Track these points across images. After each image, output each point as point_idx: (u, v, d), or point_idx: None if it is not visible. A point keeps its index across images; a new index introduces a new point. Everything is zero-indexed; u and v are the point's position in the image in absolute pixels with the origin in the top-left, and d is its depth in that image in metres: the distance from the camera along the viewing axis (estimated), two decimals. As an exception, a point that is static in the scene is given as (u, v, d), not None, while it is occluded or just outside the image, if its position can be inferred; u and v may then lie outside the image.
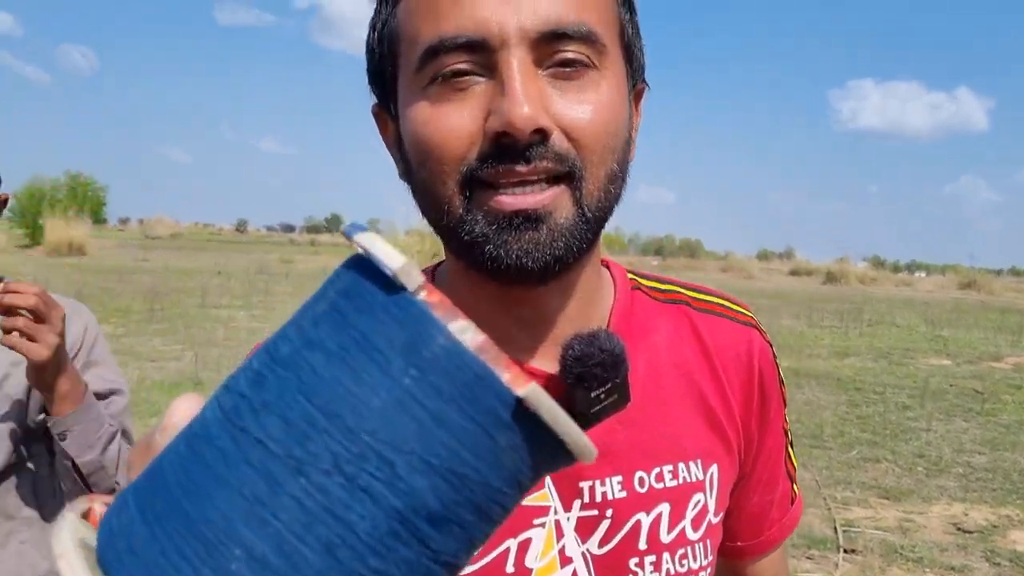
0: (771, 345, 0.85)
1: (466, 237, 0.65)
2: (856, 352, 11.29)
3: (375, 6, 0.73)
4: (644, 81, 0.76)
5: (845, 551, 4.16)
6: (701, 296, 0.84)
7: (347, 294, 0.34)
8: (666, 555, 0.73)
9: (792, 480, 0.88)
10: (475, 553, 0.35)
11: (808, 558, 4.09)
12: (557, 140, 0.63)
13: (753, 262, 41.94)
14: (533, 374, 0.72)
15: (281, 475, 0.31)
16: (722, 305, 0.83)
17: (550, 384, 0.52)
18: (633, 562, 0.73)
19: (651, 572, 0.73)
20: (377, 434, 0.31)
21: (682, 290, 0.84)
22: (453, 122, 0.64)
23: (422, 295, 0.32)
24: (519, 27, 0.63)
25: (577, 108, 0.64)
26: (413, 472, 0.31)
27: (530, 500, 0.72)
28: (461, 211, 0.65)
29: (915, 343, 12.58)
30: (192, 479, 0.32)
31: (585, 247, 0.67)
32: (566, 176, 0.64)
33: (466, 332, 0.32)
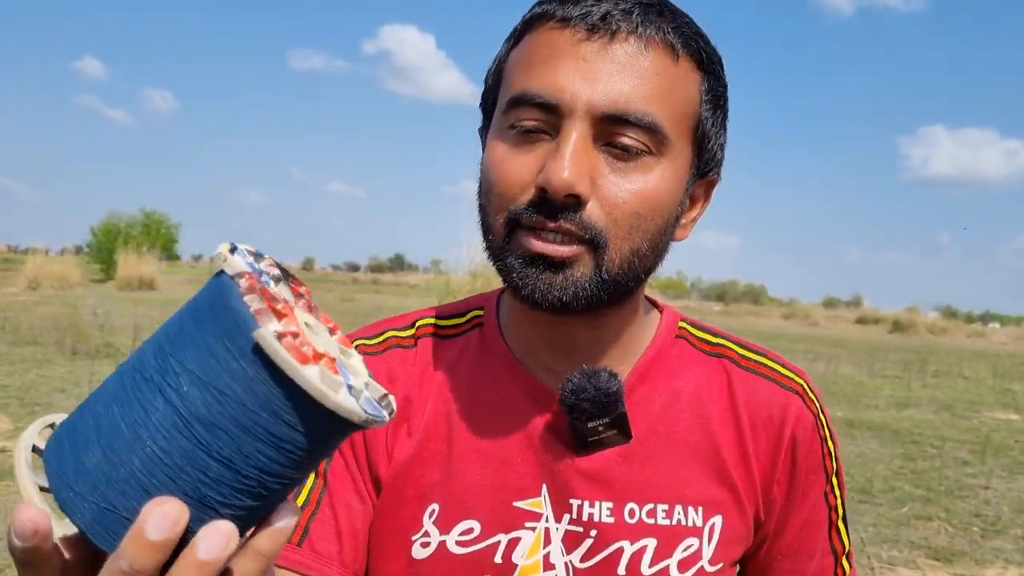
0: (818, 415, 0.85)
1: (500, 265, 0.77)
2: (917, 404, 10.88)
3: (502, 47, 0.82)
4: (717, 173, 0.83)
5: (885, 614, 3.94)
6: (750, 355, 0.87)
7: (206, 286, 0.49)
8: None
9: (839, 556, 0.87)
10: (268, 468, 0.45)
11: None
12: (592, 209, 0.71)
13: (818, 309, 41.09)
14: (551, 395, 0.82)
15: (130, 383, 0.46)
16: (769, 367, 0.86)
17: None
18: None
19: None
20: (174, 355, 0.45)
21: (732, 346, 0.88)
22: (515, 169, 0.74)
23: (229, 273, 0.47)
24: (588, 102, 0.71)
25: (619, 187, 0.72)
26: (192, 386, 0.44)
27: (525, 504, 0.81)
28: (501, 242, 0.76)
29: (981, 396, 12.07)
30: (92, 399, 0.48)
31: (599, 302, 0.74)
32: (589, 242, 0.72)
33: (243, 283, 0.46)
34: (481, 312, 0.91)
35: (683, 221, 0.80)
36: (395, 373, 0.87)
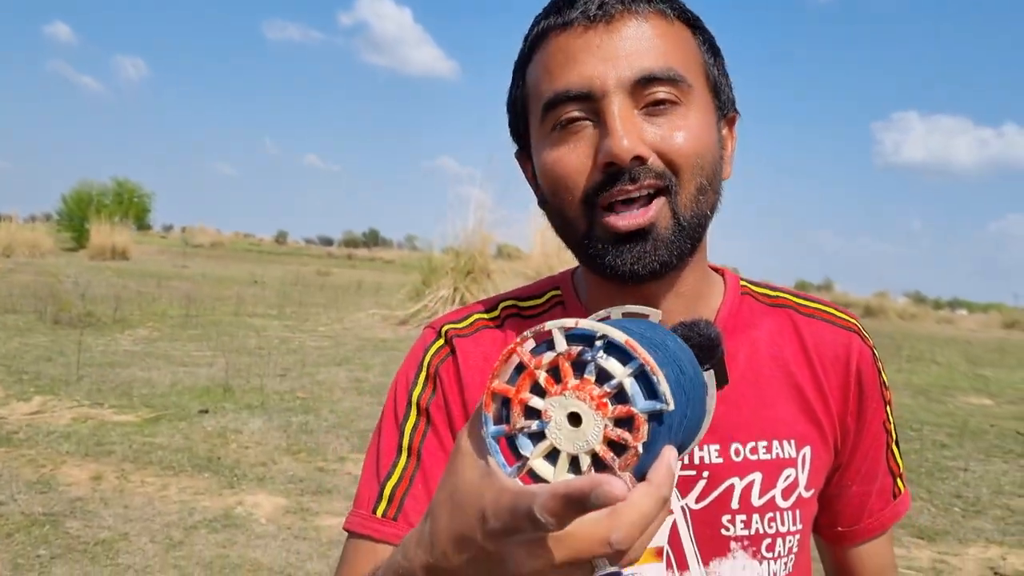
0: (873, 349, 0.94)
1: (590, 251, 0.83)
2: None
3: (511, 80, 0.91)
4: (735, 110, 0.90)
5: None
6: (807, 302, 0.96)
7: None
8: (756, 516, 0.86)
9: (896, 477, 0.96)
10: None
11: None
12: (654, 163, 0.79)
13: (790, 293, 41.12)
14: None
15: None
16: (827, 311, 0.95)
17: None
18: (725, 518, 0.86)
19: (741, 529, 0.86)
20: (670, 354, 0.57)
21: (791, 297, 0.97)
22: (572, 160, 0.81)
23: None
24: (616, 77, 0.79)
25: (669, 136, 0.80)
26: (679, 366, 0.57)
27: None
28: (584, 229, 0.83)
29: (954, 381, 12.30)
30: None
31: (684, 252, 0.83)
32: (664, 190, 0.80)
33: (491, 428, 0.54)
34: (558, 292, 0.96)
35: (726, 156, 0.89)
36: (488, 352, 0.92)
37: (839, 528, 0.96)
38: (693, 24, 0.86)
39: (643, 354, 0.50)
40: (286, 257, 45.13)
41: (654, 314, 0.66)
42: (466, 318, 0.96)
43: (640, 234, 0.80)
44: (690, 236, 0.82)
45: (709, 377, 0.67)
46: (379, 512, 0.87)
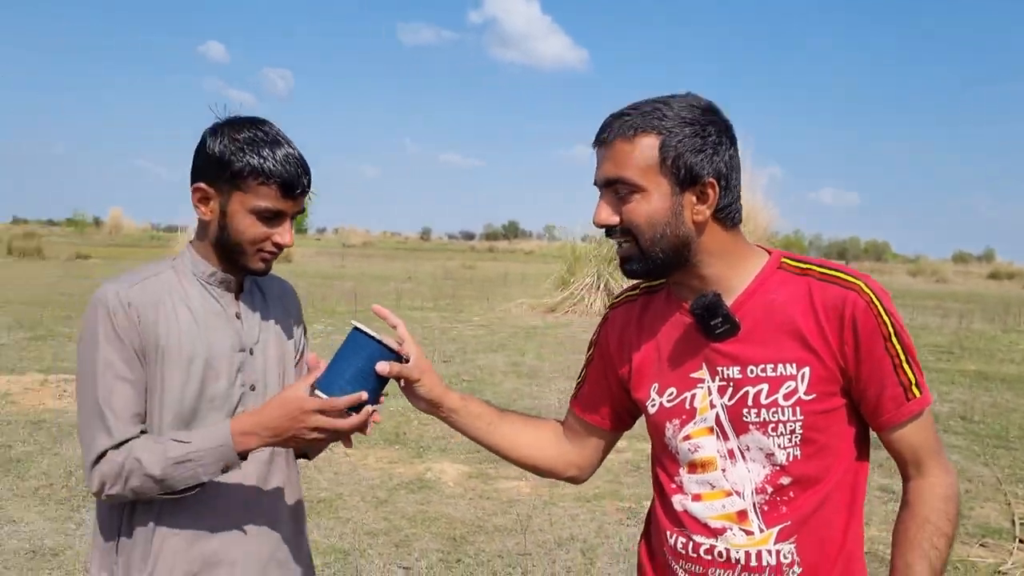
0: (871, 301, 1.30)
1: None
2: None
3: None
4: (704, 181, 1.31)
5: (1021, 541, 4.28)
6: (827, 271, 1.35)
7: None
8: (763, 410, 1.31)
9: (908, 385, 1.31)
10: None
11: (982, 545, 4.23)
12: (620, 226, 1.33)
13: (947, 264, 39.45)
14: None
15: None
16: (838, 276, 1.33)
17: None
18: (744, 411, 1.32)
19: (755, 417, 1.31)
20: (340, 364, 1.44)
21: (814, 267, 1.35)
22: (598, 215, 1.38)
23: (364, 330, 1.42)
24: (600, 179, 1.35)
25: (627, 212, 1.33)
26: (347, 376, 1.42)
27: (695, 374, 1.37)
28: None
29: None
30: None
31: (651, 267, 1.34)
32: (631, 240, 1.34)
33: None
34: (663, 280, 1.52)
35: (695, 212, 1.31)
36: (629, 317, 1.50)
37: (871, 421, 1.34)
38: (660, 131, 1.29)
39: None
40: (432, 252, 46.75)
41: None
42: (621, 295, 1.59)
43: (624, 259, 1.38)
44: (655, 262, 1.33)
45: None
46: (573, 397, 1.60)
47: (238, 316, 1.59)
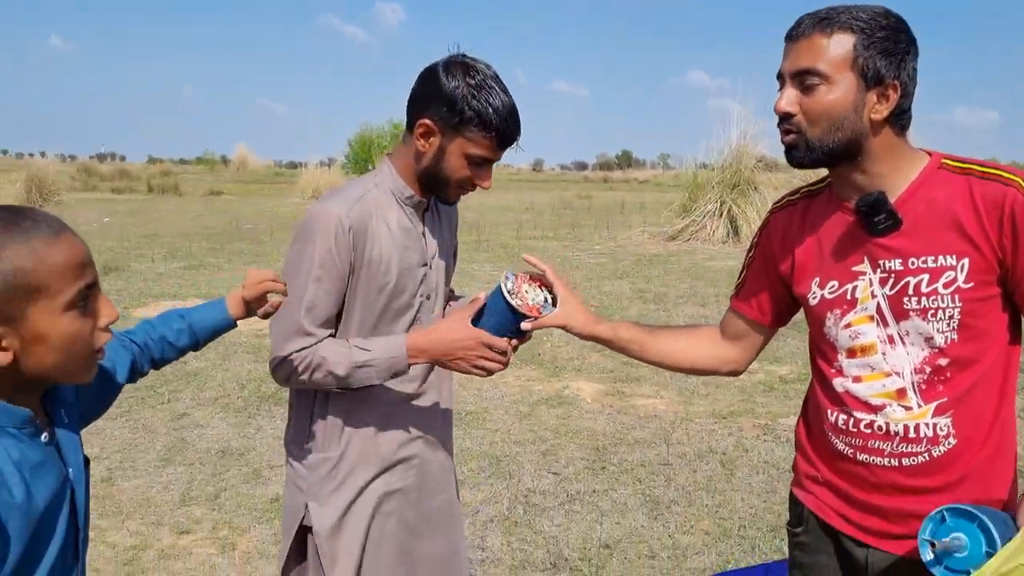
0: None
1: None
2: None
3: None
4: (887, 83, 1.40)
5: None
6: (987, 169, 1.42)
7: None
8: (923, 298, 1.41)
9: None
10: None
11: None
12: (798, 117, 1.43)
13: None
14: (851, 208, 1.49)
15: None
16: (997, 174, 1.41)
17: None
18: (904, 299, 1.42)
19: (915, 305, 1.42)
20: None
21: (974, 167, 1.43)
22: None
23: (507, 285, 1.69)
24: (788, 71, 1.44)
25: (809, 103, 1.41)
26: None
27: (857, 267, 1.46)
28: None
29: None
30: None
31: (814, 159, 1.43)
32: (797, 131, 1.43)
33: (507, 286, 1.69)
34: (821, 183, 1.61)
35: (873, 111, 1.39)
36: (791, 219, 1.61)
37: None
38: (855, 30, 1.38)
39: (551, 281, 1.74)
40: (545, 184, 46.76)
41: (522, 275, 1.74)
42: (787, 195, 1.68)
43: (788, 147, 1.46)
44: (817, 154, 1.43)
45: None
46: (734, 296, 1.74)
47: (423, 234, 1.77)
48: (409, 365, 1.69)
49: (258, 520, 3.56)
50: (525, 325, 1.66)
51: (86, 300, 1.05)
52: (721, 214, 14.13)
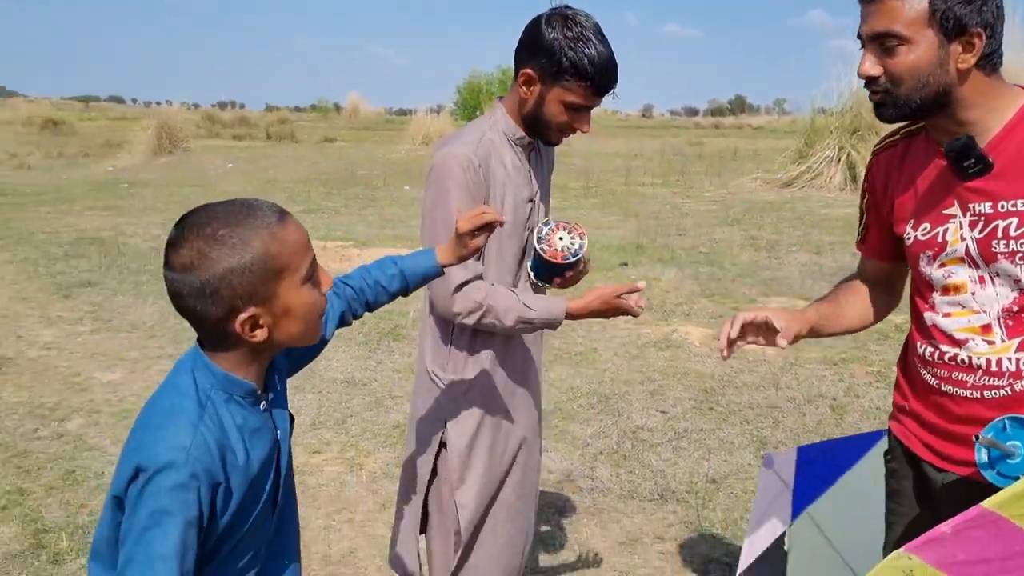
0: None
1: None
2: None
3: None
4: (971, 31, 1.38)
5: None
6: None
7: None
8: (1012, 241, 1.42)
9: None
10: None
11: None
12: (882, 79, 1.44)
13: None
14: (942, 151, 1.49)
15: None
16: None
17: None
18: (993, 242, 1.44)
19: (1004, 248, 1.43)
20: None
21: None
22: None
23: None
24: (866, 34, 1.44)
25: (891, 64, 1.42)
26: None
27: (948, 211, 1.49)
28: None
29: None
30: None
31: (903, 113, 1.46)
32: (885, 92, 1.45)
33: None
34: (919, 125, 1.61)
35: (959, 61, 1.39)
36: (891, 161, 1.64)
37: None
38: None
39: (583, 231, 1.88)
40: (654, 130, 45.94)
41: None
42: (883, 139, 1.70)
43: (878, 104, 1.48)
44: (905, 106, 1.44)
45: None
46: (860, 243, 1.78)
47: (530, 172, 1.93)
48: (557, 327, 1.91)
49: (382, 444, 3.81)
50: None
51: (314, 271, 1.20)
52: (839, 160, 13.67)
